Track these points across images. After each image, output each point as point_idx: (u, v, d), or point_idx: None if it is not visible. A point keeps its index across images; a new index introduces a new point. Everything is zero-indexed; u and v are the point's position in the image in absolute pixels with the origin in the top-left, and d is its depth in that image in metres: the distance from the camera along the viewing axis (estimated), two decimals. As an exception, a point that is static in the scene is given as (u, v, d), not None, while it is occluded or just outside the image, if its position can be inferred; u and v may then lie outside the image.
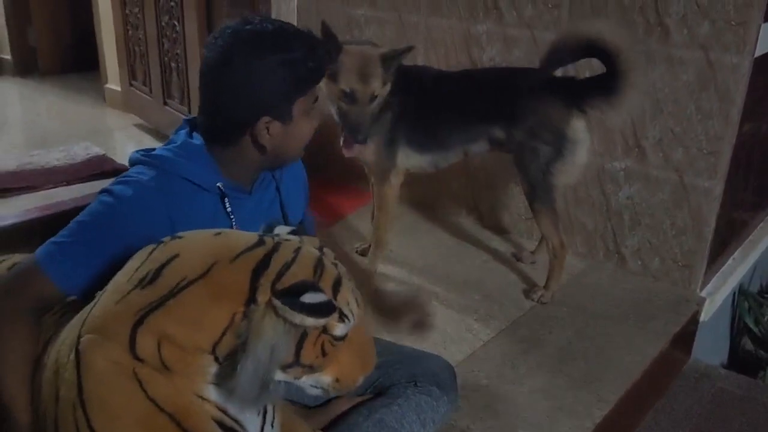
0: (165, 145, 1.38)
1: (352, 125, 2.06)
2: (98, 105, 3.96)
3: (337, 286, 1.06)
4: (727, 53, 2.13)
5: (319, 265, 1.05)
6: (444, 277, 2.40)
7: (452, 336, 2.06)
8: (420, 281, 2.37)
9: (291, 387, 1.12)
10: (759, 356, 2.90)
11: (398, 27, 2.80)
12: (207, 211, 1.33)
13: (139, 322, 1.01)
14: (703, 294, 2.39)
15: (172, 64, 3.22)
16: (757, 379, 2.65)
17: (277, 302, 0.97)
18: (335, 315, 1.03)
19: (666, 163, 2.32)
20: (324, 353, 1.05)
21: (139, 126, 3.59)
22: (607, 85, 2.01)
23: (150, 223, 1.23)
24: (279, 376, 1.05)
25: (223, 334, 1.00)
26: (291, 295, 0.98)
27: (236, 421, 1.07)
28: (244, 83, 1.28)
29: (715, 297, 2.42)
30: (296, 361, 1.04)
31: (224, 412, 1.05)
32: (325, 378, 1.09)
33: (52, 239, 1.24)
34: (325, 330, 1.04)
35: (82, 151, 3.12)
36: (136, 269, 1.07)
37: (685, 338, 2.34)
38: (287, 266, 1.02)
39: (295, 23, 3.04)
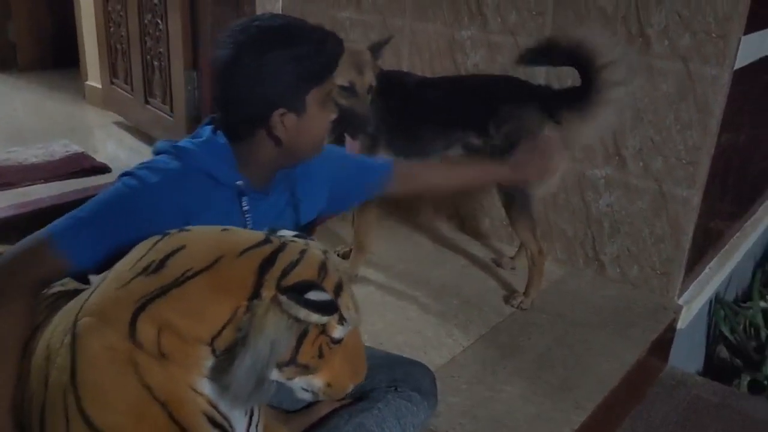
0: (190, 138, 1.39)
1: (358, 118, 2.02)
2: (78, 102, 3.92)
3: (338, 289, 1.08)
4: (707, 65, 2.15)
5: (323, 268, 1.07)
6: (423, 282, 2.41)
7: (432, 341, 2.07)
8: (399, 286, 2.37)
9: (276, 391, 1.12)
10: (734, 364, 2.94)
11: (383, 31, 2.80)
12: (223, 207, 1.34)
13: (140, 309, 1.02)
14: (681, 302, 2.42)
15: (155, 63, 3.20)
16: (732, 387, 2.69)
17: (282, 297, 0.99)
18: (336, 316, 1.05)
19: (645, 171, 2.34)
20: (321, 354, 1.06)
21: (119, 124, 3.56)
22: (582, 98, 2.02)
23: (167, 213, 1.25)
24: (273, 375, 1.06)
25: (224, 327, 1.01)
26: (295, 293, 1.00)
27: (226, 418, 1.07)
28: (255, 77, 1.29)
29: (691, 305, 2.45)
30: (293, 360, 1.05)
31: (215, 408, 1.05)
32: (317, 381, 1.10)
33: (70, 214, 1.25)
34: (323, 331, 1.05)
35: (60, 148, 3.09)
36: (140, 258, 1.07)
37: (662, 345, 2.36)
38: (293, 265, 1.04)
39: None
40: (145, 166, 1.31)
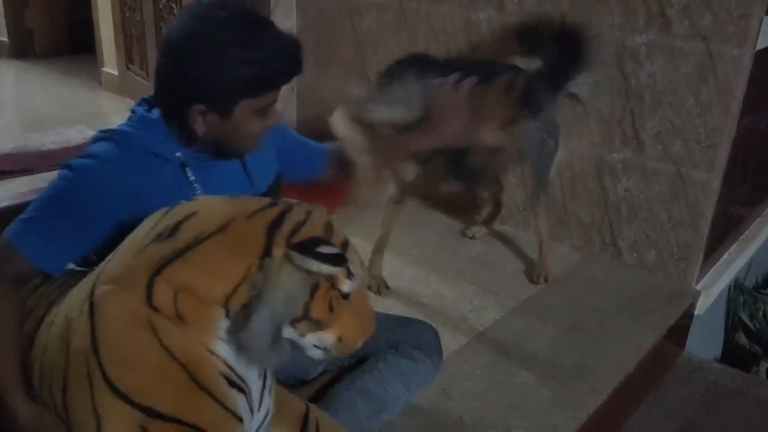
0: (126, 121, 1.37)
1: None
2: (94, 88, 3.94)
3: (344, 246, 1.11)
4: (728, 45, 2.11)
5: (329, 226, 1.11)
6: (439, 268, 2.40)
7: (447, 326, 2.05)
8: (414, 272, 2.36)
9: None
10: (753, 351, 2.90)
11: (398, 13, 2.78)
12: (169, 181, 1.31)
13: (156, 273, 1.04)
14: (699, 287, 2.39)
15: (169, 48, 3.20)
16: (750, 374, 2.66)
17: (293, 253, 1.02)
18: (345, 270, 1.07)
19: (664, 155, 2.31)
20: (331, 308, 1.09)
21: (135, 110, 3.57)
22: (573, 64, 2.10)
23: (111, 196, 1.25)
24: (287, 333, 1.09)
25: (238, 286, 1.03)
26: (305, 248, 1.03)
27: (242, 379, 1.10)
28: (192, 64, 1.23)
29: (710, 291, 2.42)
30: (306, 315, 1.07)
31: (232, 369, 1.08)
32: (329, 337, 1.12)
33: (20, 216, 1.26)
34: (333, 285, 1.08)
35: (77, 134, 3.11)
36: (153, 227, 1.10)
37: (679, 331, 2.34)
38: (300, 224, 1.07)
39: (293, 9, 3.05)
40: (81, 155, 1.29)
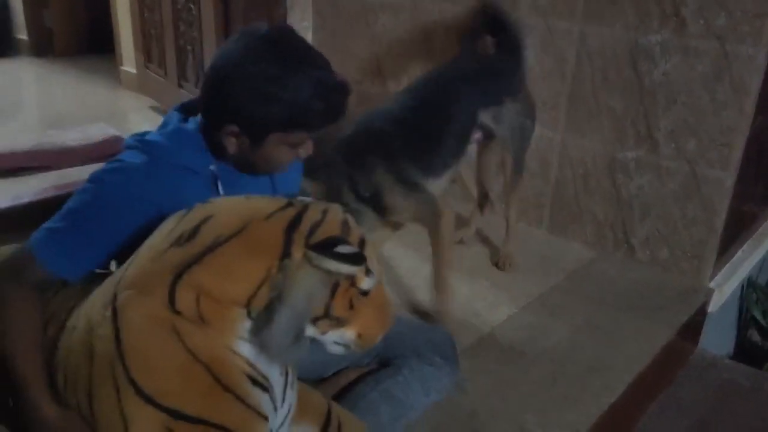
0: (158, 129, 1.38)
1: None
2: (113, 87, 3.99)
3: (362, 244, 1.12)
4: (743, 44, 2.12)
5: (345, 225, 1.12)
6: (453, 263, 2.41)
7: (460, 321, 2.08)
8: (429, 268, 2.38)
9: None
10: (766, 348, 2.91)
11: (412, 13, 2.80)
12: (198, 193, 1.29)
13: (178, 277, 1.06)
14: (712, 285, 2.40)
15: (188, 47, 3.25)
16: (763, 371, 2.66)
17: (312, 253, 1.03)
18: (363, 267, 1.09)
19: (678, 153, 2.32)
20: (351, 306, 1.11)
21: (154, 108, 3.62)
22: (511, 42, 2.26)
23: (137, 210, 1.25)
24: (308, 331, 1.11)
25: (259, 287, 1.05)
26: (324, 248, 1.04)
27: (265, 377, 1.12)
28: (231, 89, 1.24)
29: (723, 288, 2.43)
30: (327, 313, 1.10)
31: (254, 368, 1.10)
32: (349, 333, 1.14)
33: (45, 225, 1.26)
34: (353, 283, 1.10)
35: (97, 132, 3.15)
36: (170, 231, 1.11)
37: (692, 328, 2.35)
38: (318, 224, 1.08)
39: (309, 9, 3.08)
40: (110, 167, 1.29)
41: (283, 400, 1.19)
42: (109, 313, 1.09)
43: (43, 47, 4.50)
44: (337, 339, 1.15)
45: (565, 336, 2.07)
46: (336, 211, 1.14)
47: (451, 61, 2.33)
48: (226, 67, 1.25)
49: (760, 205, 2.83)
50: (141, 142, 1.32)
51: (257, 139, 1.28)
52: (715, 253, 2.36)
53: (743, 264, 2.61)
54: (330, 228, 1.09)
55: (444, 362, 1.61)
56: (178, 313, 1.05)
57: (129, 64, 3.90)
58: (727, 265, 2.54)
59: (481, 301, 2.21)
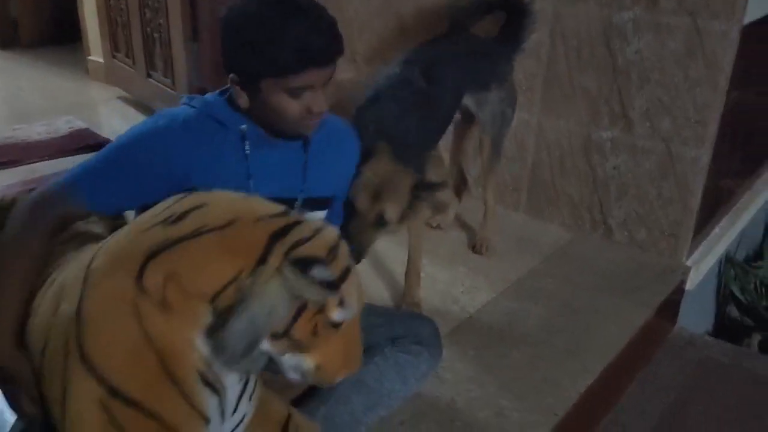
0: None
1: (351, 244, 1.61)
2: (81, 78, 3.92)
3: (345, 274, 1.08)
4: (716, 20, 2.10)
5: (333, 250, 1.08)
6: (431, 250, 2.39)
7: (438, 308, 2.06)
8: (406, 254, 2.36)
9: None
10: (745, 324, 2.92)
11: (383, -4, 2.76)
12: (229, 150, 1.38)
13: (152, 256, 1.04)
14: (689, 263, 2.40)
15: (155, 35, 3.17)
16: (742, 347, 2.68)
17: (287, 266, 1.00)
18: (337, 297, 1.05)
19: (653, 132, 2.30)
20: (315, 333, 1.06)
21: (122, 98, 3.55)
22: (516, 29, 2.23)
23: (168, 157, 1.32)
24: (266, 345, 1.06)
25: (226, 286, 1.02)
26: (301, 265, 1.01)
27: (219, 380, 1.09)
28: (225, 35, 1.32)
29: (700, 265, 2.43)
30: (287, 333, 1.05)
31: (209, 366, 1.07)
32: (308, 362, 1.10)
33: (89, 159, 1.35)
34: (322, 310, 1.05)
35: (64, 125, 3.09)
36: (164, 209, 1.10)
37: (670, 307, 2.35)
38: (304, 241, 1.05)
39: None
40: (161, 113, 1.39)
41: (236, 408, 1.16)
42: (82, 274, 1.08)
43: (9, 39, 4.39)
44: (294, 365, 1.10)
45: (543, 319, 2.06)
46: (330, 235, 1.10)
47: (443, 38, 2.25)
48: (225, 16, 1.32)
49: (736, 181, 2.84)
50: (190, 98, 1.42)
51: (251, 86, 1.31)
52: (691, 231, 2.36)
53: (720, 240, 2.61)
54: (315, 248, 1.05)
55: (422, 348, 1.58)
56: (143, 291, 1.03)
57: (96, 54, 3.82)
58: (704, 242, 2.54)
59: (459, 287, 2.19)
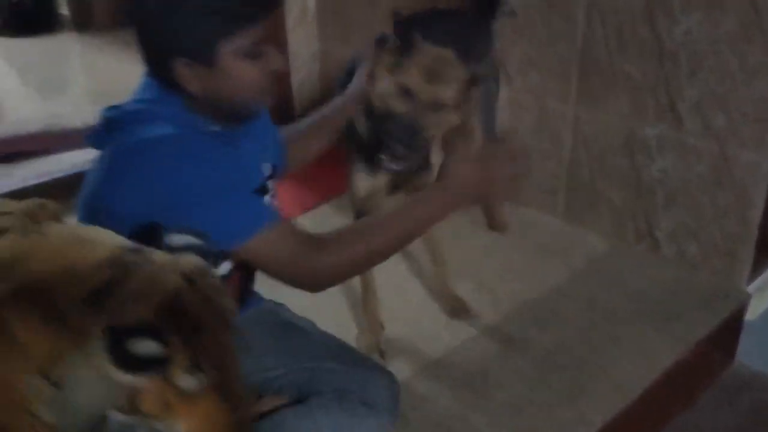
0: (134, 101, 1.28)
1: (398, 134, 1.57)
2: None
3: (195, 331, 0.87)
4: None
5: (177, 302, 0.86)
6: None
7: (428, 333, 1.83)
8: (405, 268, 2.12)
9: None
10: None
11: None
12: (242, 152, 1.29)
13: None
14: (750, 289, 1.98)
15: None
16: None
17: (97, 345, 0.81)
18: (181, 364, 0.85)
19: (705, 130, 1.90)
20: (168, 405, 0.88)
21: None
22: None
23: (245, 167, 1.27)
24: (118, 416, 0.88)
25: (48, 361, 0.84)
26: (119, 337, 0.81)
27: None
28: (161, 16, 1.14)
29: (765, 293, 2.01)
30: (134, 407, 0.87)
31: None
32: (177, 427, 0.91)
33: (239, 209, 1.20)
34: (166, 378, 0.86)
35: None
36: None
37: (722, 340, 1.96)
38: (131, 299, 0.84)
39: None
40: (167, 140, 1.17)
41: None
42: None
43: (85, 21, 4.49)
44: (163, 429, 0.91)
45: (545, 351, 1.77)
46: (168, 281, 0.87)
47: (427, 13, 2.02)
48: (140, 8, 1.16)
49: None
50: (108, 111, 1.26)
51: (208, 58, 1.15)
52: (752, 249, 1.94)
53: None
54: (144, 307, 0.83)
55: (368, 413, 1.35)
56: None
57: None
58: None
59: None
